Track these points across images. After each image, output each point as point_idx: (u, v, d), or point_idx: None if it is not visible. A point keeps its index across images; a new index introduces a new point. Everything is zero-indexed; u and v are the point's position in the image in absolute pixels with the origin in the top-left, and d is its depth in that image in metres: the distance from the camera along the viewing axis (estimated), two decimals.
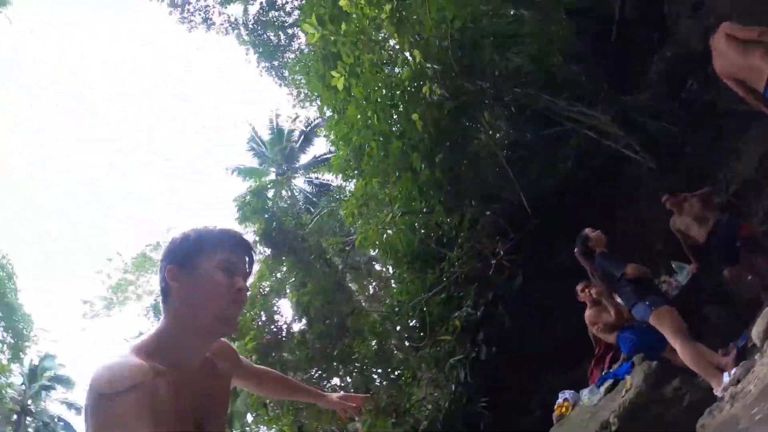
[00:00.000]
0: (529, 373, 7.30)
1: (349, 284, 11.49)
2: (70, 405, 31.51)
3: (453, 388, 7.88)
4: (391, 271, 10.04)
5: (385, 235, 7.95)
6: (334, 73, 6.45)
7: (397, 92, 6.95)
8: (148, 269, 28.73)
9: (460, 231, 7.49)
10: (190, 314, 1.14)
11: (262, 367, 1.75)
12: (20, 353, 23.59)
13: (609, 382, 4.43)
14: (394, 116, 7.17)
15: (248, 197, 13.29)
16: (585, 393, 4.67)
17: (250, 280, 1.24)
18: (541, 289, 7.00)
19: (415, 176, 7.14)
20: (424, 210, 7.84)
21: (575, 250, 4.34)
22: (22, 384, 27.97)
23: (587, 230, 4.27)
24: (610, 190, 7.04)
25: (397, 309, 9.17)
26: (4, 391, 24.91)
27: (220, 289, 1.15)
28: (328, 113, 9.33)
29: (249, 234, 14.06)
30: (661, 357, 4.00)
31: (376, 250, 8.78)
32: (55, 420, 30.37)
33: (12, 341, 22.40)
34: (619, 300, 4.37)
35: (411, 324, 8.96)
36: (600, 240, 4.15)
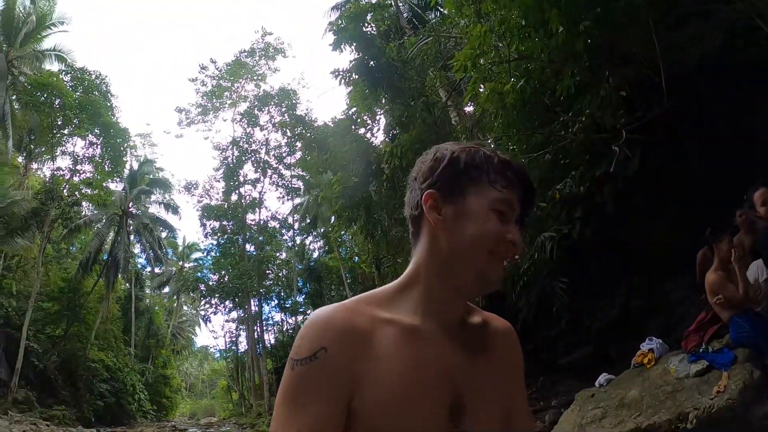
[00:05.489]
0: (617, 270, 7.19)
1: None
2: (167, 206, 35.47)
3: (535, 257, 7.72)
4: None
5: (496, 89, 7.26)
6: None
7: None
8: (243, 76, 29.27)
9: (581, 91, 6.61)
10: (445, 258, 0.91)
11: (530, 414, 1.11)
12: (119, 167, 25.80)
13: (703, 364, 4.11)
14: None
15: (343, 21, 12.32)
16: (674, 360, 4.41)
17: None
18: (659, 185, 6.50)
19: (548, 38, 6.20)
20: (545, 59, 6.92)
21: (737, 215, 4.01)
22: (123, 189, 31.26)
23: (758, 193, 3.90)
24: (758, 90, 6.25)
25: None
26: (107, 197, 28.01)
27: (488, 239, 0.88)
28: None
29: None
30: (766, 365, 3.70)
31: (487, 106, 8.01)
32: (154, 219, 34.54)
33: (111, 155, 24.42)
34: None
35: None
36: None
